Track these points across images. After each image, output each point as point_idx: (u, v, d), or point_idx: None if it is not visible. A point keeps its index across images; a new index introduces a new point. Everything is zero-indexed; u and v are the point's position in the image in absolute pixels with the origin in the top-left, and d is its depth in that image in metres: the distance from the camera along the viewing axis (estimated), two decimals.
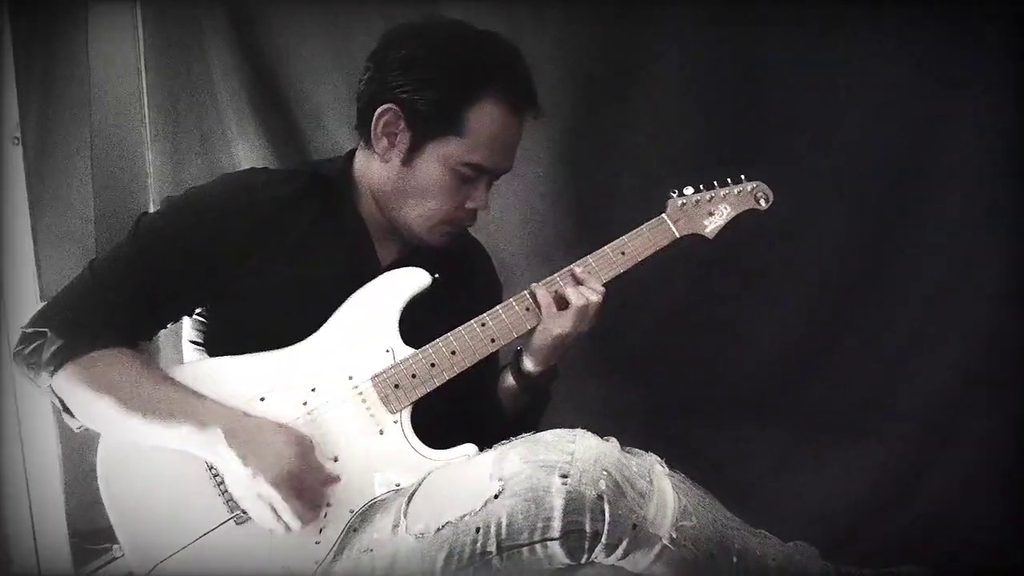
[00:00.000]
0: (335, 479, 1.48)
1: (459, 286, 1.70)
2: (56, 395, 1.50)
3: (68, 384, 1.47)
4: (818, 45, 2.04)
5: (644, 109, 2.15)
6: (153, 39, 2.20)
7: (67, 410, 1.52)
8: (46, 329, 1.48)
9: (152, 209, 2.08)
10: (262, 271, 1.58)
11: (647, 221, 1.71)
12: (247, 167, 2.10)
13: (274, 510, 1.42)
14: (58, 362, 1.47)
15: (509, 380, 1.75)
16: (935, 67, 2.00)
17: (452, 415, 1.58)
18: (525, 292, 1.65)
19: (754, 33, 2.06)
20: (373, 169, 1.66)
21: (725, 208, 1.76)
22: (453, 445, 1.55)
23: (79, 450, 1.96)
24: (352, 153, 1.73)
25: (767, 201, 1.78)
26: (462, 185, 1.63)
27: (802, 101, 2.07)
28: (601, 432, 1.42)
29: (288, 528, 1.43)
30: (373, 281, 1.61)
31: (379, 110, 1.59)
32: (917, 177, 2.06)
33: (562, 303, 1.62)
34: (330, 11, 2.17)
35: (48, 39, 1.99)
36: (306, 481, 1.44)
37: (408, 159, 1.61)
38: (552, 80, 2.08)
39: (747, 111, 2.10)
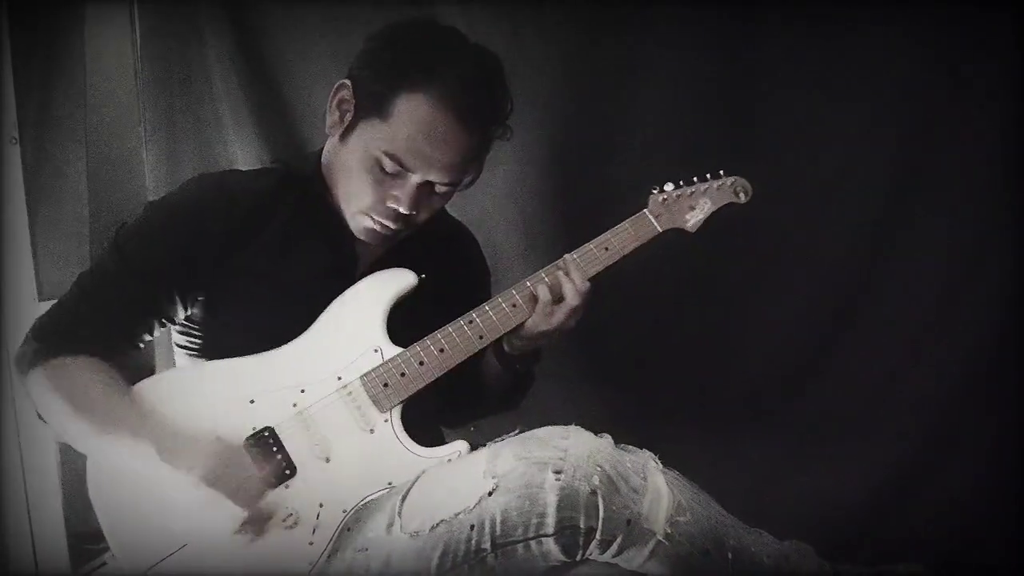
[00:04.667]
0: (276, 471, 1.38)
1: (447, 273, 1.60)
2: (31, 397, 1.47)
3: (35, 385, 1.44)
4: (815, 45, 1.95)
5: (640, 109, 2.06)
6: (150, 39, 2.09)
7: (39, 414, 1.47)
8: (30, 334, 1.46)
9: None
10: (242, 272, 1.50)
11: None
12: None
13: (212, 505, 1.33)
14: (32, 365, 1.43)
15: (491, 360, 1.65)
16: (935, 66, 1.91)
17: (436, 393, 1.50)
18: (512, 289, 1.55)
19: (750, 34, 1.97)
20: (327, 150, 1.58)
21: (705, 202, 1.67)
22: (438, 428, 1.53)
23: (77, 451, 1.84)
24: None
25: (746, 195, 1.69)
26: (384, 177, 1.47)
27: (800, 101, 1.98)
28: (595, 433, 1.34)
29: (229, 523, 1.33)
30: (360, 282, 1.52)
31: (336, 84, 1.51)
32: (916, 177, 1.97)
33: (557, 299, 1.52)
34: (329, 12, 2.06)
35: (45, 39, 1.89)
36: (233, 476, 1.33)
37: (344, 135, 1.50)
38: (551, 82, 2.00)
39: (743, 111, 2.02)
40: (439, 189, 1.51)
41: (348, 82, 1.49)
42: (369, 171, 1.47)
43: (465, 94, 1.43)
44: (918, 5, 1.86)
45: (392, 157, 1.45)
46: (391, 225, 1.52)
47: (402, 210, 1.49)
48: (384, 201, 1.49)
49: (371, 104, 1.45)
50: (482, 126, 1.49)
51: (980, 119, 1.90)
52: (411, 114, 1.43)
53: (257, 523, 1.35)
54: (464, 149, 1.47)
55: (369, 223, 1.51)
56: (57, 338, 1.44)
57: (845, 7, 1.91)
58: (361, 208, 1.51)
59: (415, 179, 1.47)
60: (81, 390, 1.40)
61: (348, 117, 1.49)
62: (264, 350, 1.47)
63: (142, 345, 1.55)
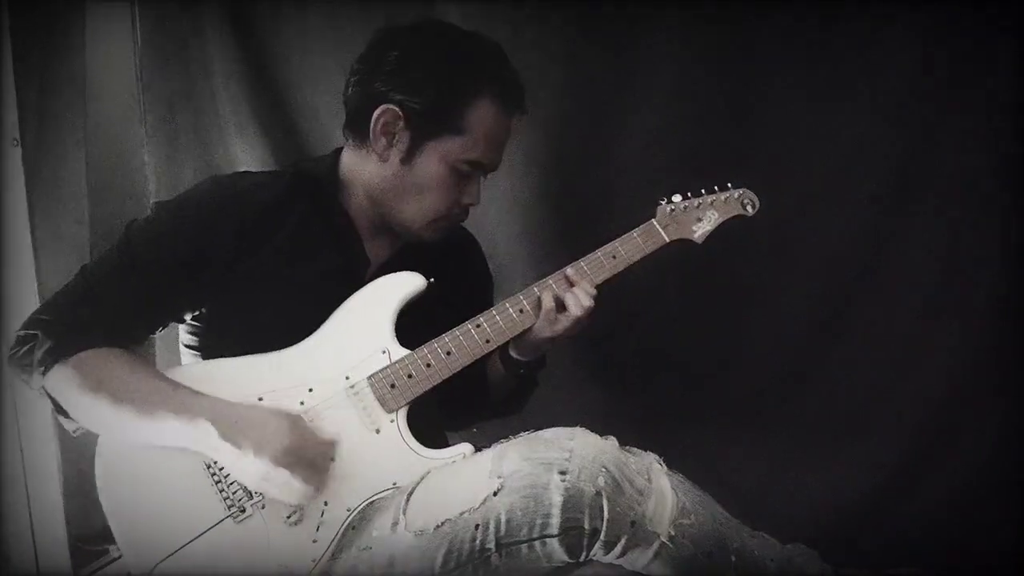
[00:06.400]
0: (332, 442, 1.42)
1: (451, 277, 1.62)
2: (50, 396, 1.43)
3: (60, 384, 1.41)
4: (814, 50, 1.97)
5: (643, 114, 2.07)
6: (151, 40, 2.10)
7: (62, 411, 1.45)
8: (37, 331, 1.42)
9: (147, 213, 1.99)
10: (253, 273, 1.51)
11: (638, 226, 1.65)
12: (242, 170, 2.02)
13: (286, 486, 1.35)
14: (49, 362, 1.40)
15: (496, 364, 1.69)
16: (932, 71, 1.93)
17: (440, 394, 1.52)
18: (519, 295, 1.58)
19: (751, 39, 1.99)
20: (368, 168, 1.58)
21: (713, 214, 1.70)
22: (442, 431, 1.53)
23: (78, 451, 1.86)
24: (339, 151, 1.65)
25: (753, 207, 1.72)
26: (459, 181, 1.56)
27: (799, 106, 2.00)
28: (600, 435, 1.34)
29: (303, 501, 1.37)
30: (369, 284, 1.54)
31: (378, 110, 1.52)
32: (915, 180, 1.98)
33: (561, 307, 1.56)
34: (330, 11, 2.08)
35: (46, 40, 1.89)
36: (306, 449, 1.37)
37: (408, 158, 1.54)
38: (553, 86, 2.02)
39: (743, 116, 2.03)
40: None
41: (393, 108, 1.51)
42: (447, 182, 1.55)
43: (508, 87, 1.55)
44: (917, 8, 1.88)
45: (471, 163, 1.55)
46: (461, 219, 1.66)
47: (474, 203, 1.61)
48: (459, 202, 1.59)
49: (439, 124, 1.52)
50: (517, 109, 1.59)
51: (978, 122, 1.92)
52: (482, 120, 1.53)
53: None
54: (509, 133, 1.60)
55: (443, 224, 1.61)
56: (72, 333, 1.42)
57: (844, 11, 1.93)
58: (438, 216, 1.59)
59: (483, 172, 1.60)
60: (119, 381, 1.40)
61: (401, 140, 1.53)
62: (273, 351, 1.48)
63: (145, 343, 1.56)
